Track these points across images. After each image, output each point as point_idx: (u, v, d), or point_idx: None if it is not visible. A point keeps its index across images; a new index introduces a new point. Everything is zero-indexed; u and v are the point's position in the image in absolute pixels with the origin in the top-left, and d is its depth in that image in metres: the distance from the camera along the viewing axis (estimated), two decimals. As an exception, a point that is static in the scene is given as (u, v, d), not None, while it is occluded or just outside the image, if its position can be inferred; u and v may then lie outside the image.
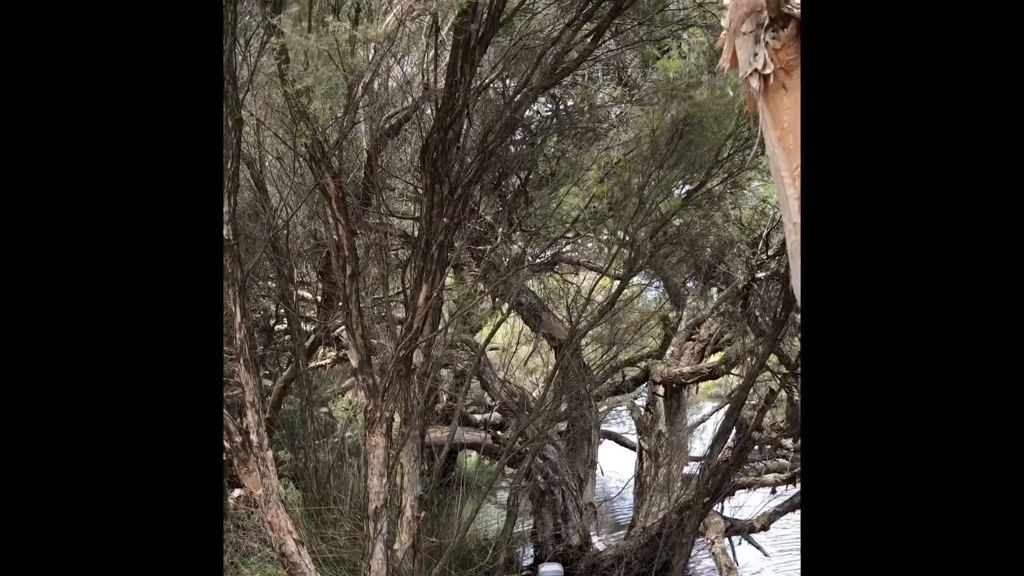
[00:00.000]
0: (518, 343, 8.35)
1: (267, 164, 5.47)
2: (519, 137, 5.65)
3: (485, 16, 4.01)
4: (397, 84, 5.76)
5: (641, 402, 8.66)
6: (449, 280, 7.11)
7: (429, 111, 4.93)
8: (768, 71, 1.52)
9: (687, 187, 5.82)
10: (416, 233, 5.01)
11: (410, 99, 5.55)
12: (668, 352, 8.10)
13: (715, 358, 7.89)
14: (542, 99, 5.56)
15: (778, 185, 1.54)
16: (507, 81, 5.06)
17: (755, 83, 1.54)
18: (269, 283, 6.34)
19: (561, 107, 5.59)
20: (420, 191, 4.91)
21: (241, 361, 3.91)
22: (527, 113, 5.44)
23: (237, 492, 6.19)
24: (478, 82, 4.52)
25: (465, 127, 4.73)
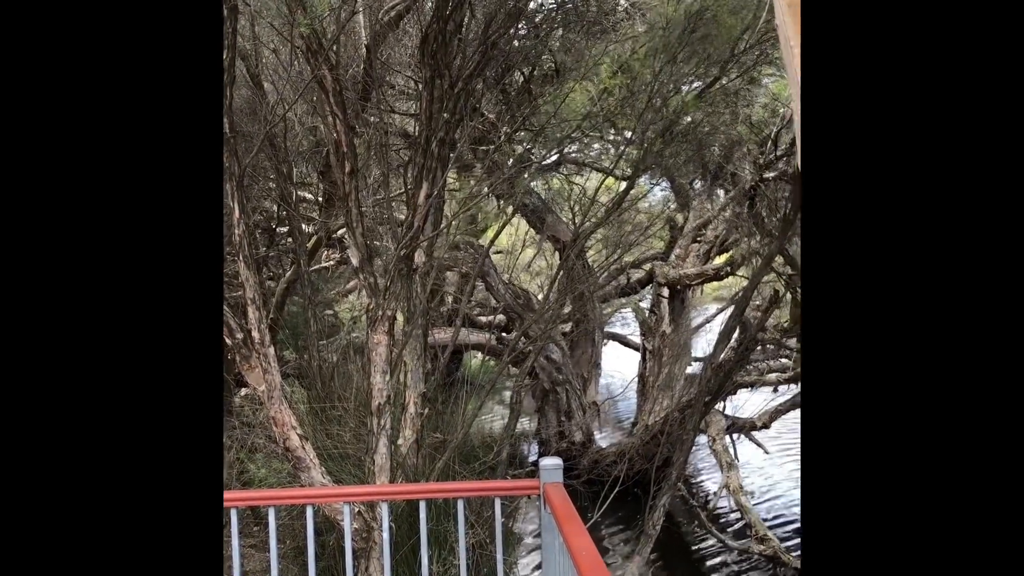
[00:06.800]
0: (523, 245, 8.31)
1: (263, 58, 5.30)
2: (523, 30, 5.46)
3: None
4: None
5: (646, 304, 8.68)
6: (452, 180, 7.01)
7: (429, 1, 4.74)
8: (781, -69, 1.41)
9: (698, 84, 5.63)
10: (416, 131, 4.89)
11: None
12: (673, 254, 8.05)
13: (720, 260, 7.85)
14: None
15: (786, 57, 1.45)
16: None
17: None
18: (269, 184, 6.25)
19: (567, -3, 5.37)
20: (420, 87, 4.77)
21: (240, 258, 3.86)
22: (531, 4, 5.24)
23: (244, 391, 6.27)
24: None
25: (466, 17, 4.56)
